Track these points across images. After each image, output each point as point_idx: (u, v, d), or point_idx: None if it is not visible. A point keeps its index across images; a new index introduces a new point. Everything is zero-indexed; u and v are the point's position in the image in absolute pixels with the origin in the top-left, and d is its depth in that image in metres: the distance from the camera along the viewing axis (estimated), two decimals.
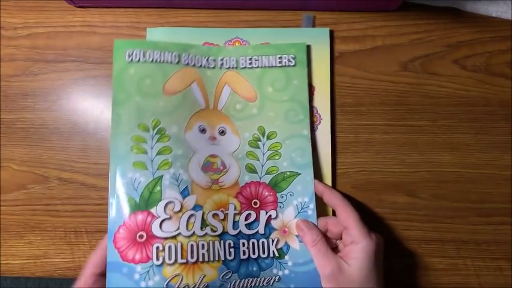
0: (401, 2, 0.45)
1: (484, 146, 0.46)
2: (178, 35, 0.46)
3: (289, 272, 0.41)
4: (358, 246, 0.38)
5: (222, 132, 0.44)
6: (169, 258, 0.38)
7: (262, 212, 0.42)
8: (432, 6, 0.47)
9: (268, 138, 0.44)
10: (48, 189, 0.46)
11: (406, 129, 0.46)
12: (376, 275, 0.38)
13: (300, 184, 0.43)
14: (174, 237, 0.39)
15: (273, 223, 0.42)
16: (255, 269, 0.41)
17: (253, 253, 0.41)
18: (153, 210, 0.39)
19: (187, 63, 0.44)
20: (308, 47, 0.46)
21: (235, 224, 0.41)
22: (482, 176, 0.46)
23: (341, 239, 0.41)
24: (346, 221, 0.39)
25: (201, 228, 0.40)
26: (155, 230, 0.38)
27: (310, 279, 0.40)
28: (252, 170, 0.43)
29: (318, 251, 0.39)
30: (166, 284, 0.37)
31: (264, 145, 0.44)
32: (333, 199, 0.41)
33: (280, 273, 0.41)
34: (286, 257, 0.41)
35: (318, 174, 0.44)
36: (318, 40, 0.46)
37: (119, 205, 0.39)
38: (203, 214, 0.40)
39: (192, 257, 0.39)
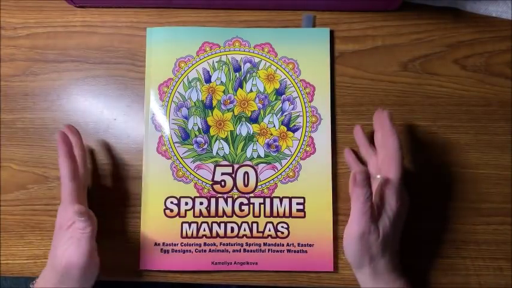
0: (401, 2, 0.45)
1: (484, 146, 0.46)
2: (178, 35, 0.46)
3: None
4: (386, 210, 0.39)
5: None
6: None
7: None
8: (432, 6, 0.47)
9: None
10: (48, 189, 0.46)
11: (406, 129, 0.46)
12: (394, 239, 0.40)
13: None
14: None
15: None
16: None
17: None
18: None
19: None
20: None
21: None
22: (482, 176, 0.46)
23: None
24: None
25: None
26: None
27: None
28: None
29: (365, 211, 0.38)
30: None
31: None
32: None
33: None
34: None
35: (318, 176, 0.45)
36: (318, 40, 0.46)
37: None
38: None
39: None
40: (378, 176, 0.40)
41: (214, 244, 0.44)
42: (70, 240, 0.38)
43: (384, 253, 0.39)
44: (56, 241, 0.40)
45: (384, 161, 0.40)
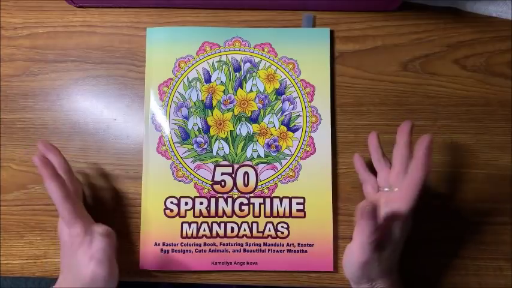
0: (401, 2, 0.45)
1: (484, 146, 0.46)
2: (178, 35, 0.46)
3: None
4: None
5: None
6: None
7: None
8: (432, 6, 0.47)
9: None
10: None
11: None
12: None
13: None
14: None
15: None
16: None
17: None
18: None
19: None
20: None
21: None
22: (482, 176, 0.46)
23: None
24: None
25: None
26: None
27: None
28: None
29: (369, 242, 0.37)
30: None
31: None
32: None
33: None
34: None
35: (318, 176, 0.45)
36: (318, 40, 0.46)
37: None
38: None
39: None
40: (386, 189, 0.40)
41: (214, 244, 0.44)
42: (88, 257, 0.38)
43: (383, 275, 0.39)
44: (69, 258, 0.39)
45: (401, 188, 0.38)
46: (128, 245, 0.45)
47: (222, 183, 0.45)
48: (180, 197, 0.44)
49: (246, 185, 0.45)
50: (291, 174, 0.45)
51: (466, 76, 0.47)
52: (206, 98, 0.46)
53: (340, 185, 0.46)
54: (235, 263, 0.44)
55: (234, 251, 0.44)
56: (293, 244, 0.44)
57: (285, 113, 0.46)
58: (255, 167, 0.45)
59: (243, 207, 0.44)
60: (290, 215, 0.44)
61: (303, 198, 0.45)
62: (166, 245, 0.44)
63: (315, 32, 0.47)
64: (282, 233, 0.44)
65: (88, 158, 0.46)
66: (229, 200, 0.45)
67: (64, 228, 0.40)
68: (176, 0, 0.46)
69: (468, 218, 0.45)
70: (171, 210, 0.44)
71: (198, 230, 0.44)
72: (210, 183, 0.45)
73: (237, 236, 0.44)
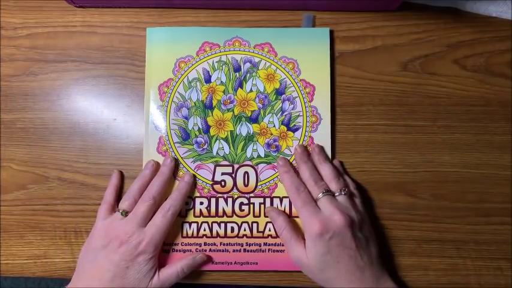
0: (401, 2, 0.45)
1: (484, 146, 0.46)
2: (178, 35, 0.46)
3: None
4: (306, 235, 0.40)
5: None
6: None
7: None
8: (432, 6, 0.47)
9: None
10: (48, 189, 0.46)
11: (406, 129, 0.46)
12: (337, 262, 0.39)
13: None
14: None
15: None
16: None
17: None
18: None
19: None
20: None
21: None
22: (482, 176, 0.46)
23: None
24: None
25: None
26: None
27: None
28: None
29: (284, 239, 0.42)
30: None
31: None
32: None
33: None
34: None
35: None
36: (318, 40, 0.46)
37: None
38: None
39: None
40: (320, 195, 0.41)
41: (215, 244, 0.44)
42: (128, 265, 0.40)
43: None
44: (112, 255, 0.40)
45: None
46: None
47: (222, 183, 0.45)
48: None
49: (246, 185, 0.45)
50: None
51: (466, 76, 0.47)
52: (206, 98, 0.46)
53: None
54: (235, 263, 0.44)
55: (234, 251, 0.44)
56: None
57: (285, 113, 0.46)
58: (255, 167, 0.45)
59: (243, 207, 0.44)
60: (290, 215, 0.44)
61: None
62: (167, 244, 0.44)
63: (315, 32, 0.47)
64: None
65: (88, 158, 0.46)
66: (230, 200, 0.45)
67: (120, 224, 0.41)
68: (176, 0, 0.46)
69: (468, 218, 0.45)
70: None
71: (198, 229, 0.44)
72: (210, 183, 0.45)
73: (237, 236, 0.44)
